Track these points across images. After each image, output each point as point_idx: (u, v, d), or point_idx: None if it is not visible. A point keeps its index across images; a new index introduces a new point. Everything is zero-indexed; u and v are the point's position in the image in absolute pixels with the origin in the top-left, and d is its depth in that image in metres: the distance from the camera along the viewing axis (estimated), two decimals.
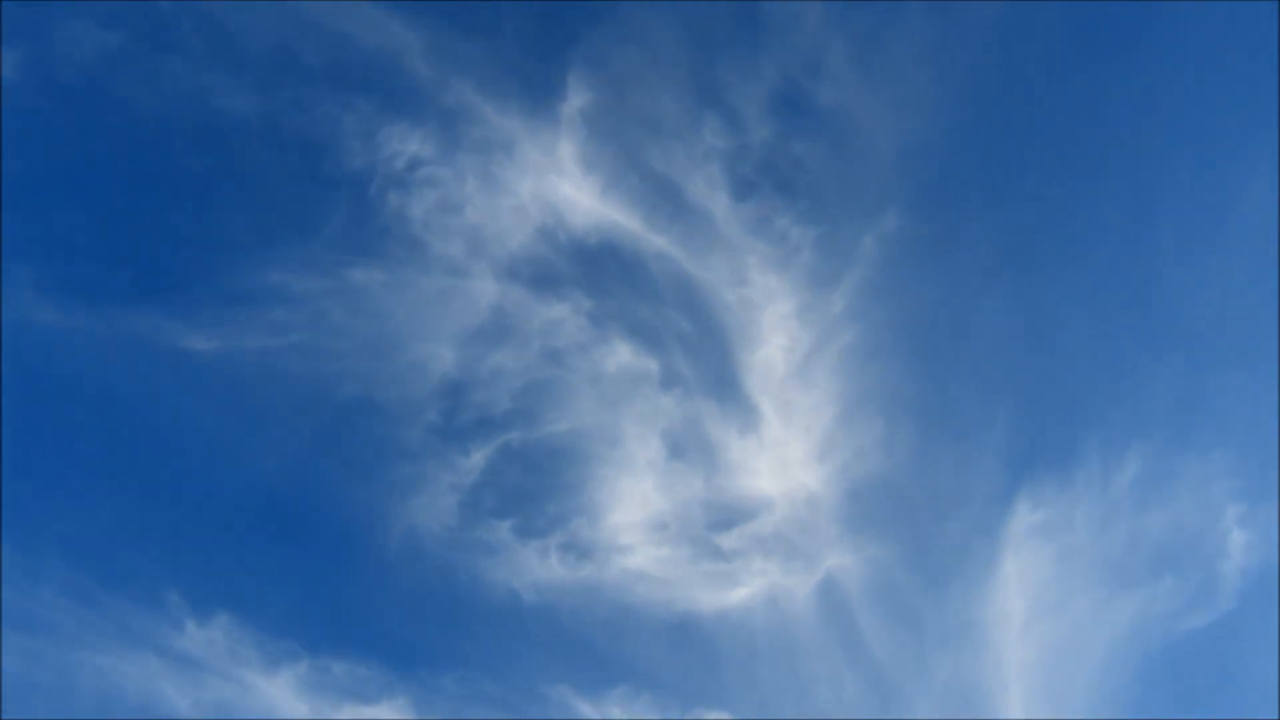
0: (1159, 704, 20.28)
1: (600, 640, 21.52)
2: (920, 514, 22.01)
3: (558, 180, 22.11)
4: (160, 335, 20.94)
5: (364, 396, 21.87)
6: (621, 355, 22.02)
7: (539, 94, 22.28)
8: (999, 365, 22.58)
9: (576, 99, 21.94)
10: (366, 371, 21.85)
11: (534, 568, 21.32)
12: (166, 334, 20.95)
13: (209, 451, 21.54)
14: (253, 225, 21.87)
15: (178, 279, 21.62)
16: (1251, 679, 20.30)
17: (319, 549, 22.08)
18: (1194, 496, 20.93)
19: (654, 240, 22.35)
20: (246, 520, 21.76)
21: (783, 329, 22.20)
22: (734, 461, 21.65)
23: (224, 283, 21.54)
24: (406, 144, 21.58)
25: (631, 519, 21.26)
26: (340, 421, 22.02)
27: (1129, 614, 20.23)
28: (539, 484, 21.91)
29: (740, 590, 20.95)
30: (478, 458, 21.64)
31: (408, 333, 21.93)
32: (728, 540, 21.26)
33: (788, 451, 21.71)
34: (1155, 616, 20.06)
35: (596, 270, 22.44)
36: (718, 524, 21.37)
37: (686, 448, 21.81)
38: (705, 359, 22.25)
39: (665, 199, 22.46)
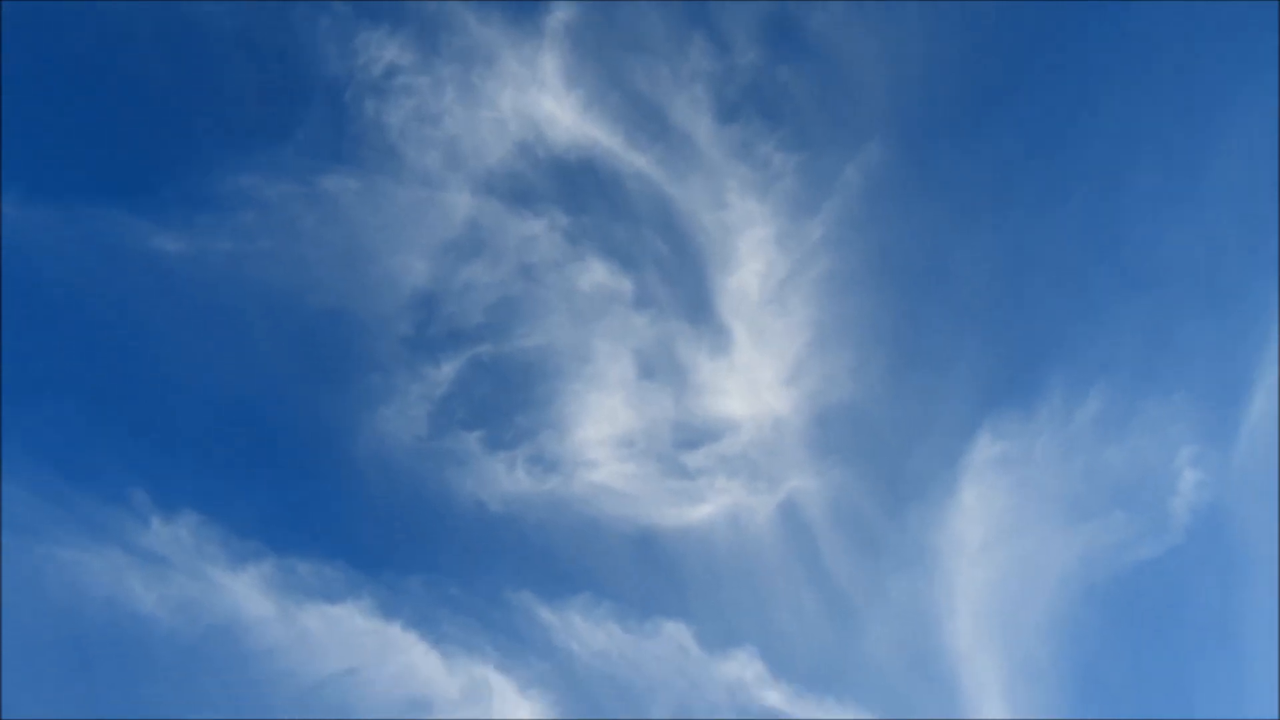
0: (1104, 632, 20.92)
1: (564, 550, 21.87)
2: (884, 441, 22.37)
3: (539, 94, 21.87)
4: (128, 235, 20.73)
5: (335, 306, 21.83)
6: (596, 273, 22.04)
7: (523, 4, 21.94)
8: (971, 300, 22.80)
9: (561, 12, 21.62)
10: (338, 281, 21.78)
11: (501, 479, 21.53)
12: (134, 233, 20.74)
13: (177, 353, 21.48)
14: (223, 127, 21.57)
15: (146, 179, 21.36)
16: (1194, 612, 20.97)
17: (287, 453, 22.18)
18: (1151, 435, 21.36)
19: (634, 160, 22.23)
20: (214, 423, 21.80)
21: (759, 254, 22.26)
22: (703, 383, 21.86)
23: (193, 184, 21.30)
24: (384, 50, 21.23)
25: (599, 435, 21.48)
26: (310, 330, 22.00)
27: (1080, 545, 20.75)
28: (508, 398, 22.05)
29: (703, 508, 21.30)
30: (448, 370, 21.71)
31: (380, 243, 21.83)
32: (693, 459, 21.56)
33: (757, 375, 21.93)
34: (1105, 548, 20.58)
35: (574, 187, 22.34)
36: (684, 443, 21.65)
37: (657, 367, 21.98)
38: (680, 281, 22.31)
39: (648, 118, 22.30)
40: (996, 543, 21.05)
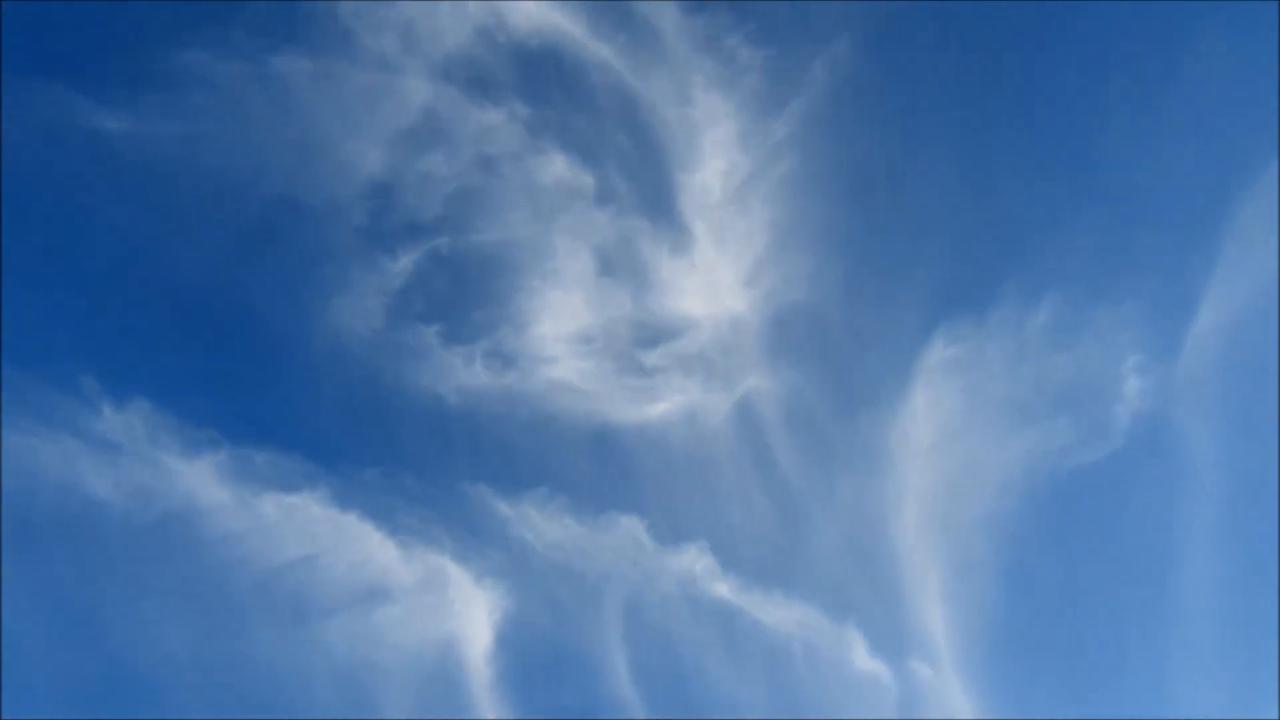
0: (1042, 533, 21.68)
1: (520, 445, 22.04)
2: (840, 344, 22.59)
3: None
4: (69, 113, 19.99)
5: (287, 194, 21.32)
6: (557, 167, 21.68)
7: None
8: (932, 205, 22.80)
9: None
10: (290, 167, 21.22)
11: (459, 373, 21.52)
12: (77, 112, 20.00)
13: (126, 238, 20.98)
14: (169, 1, 20.69)
15: (88, 55, 20.49)
16: (1130, 517, 21.75)
17: (241, 344, 21.93)
18: (1099, 344, 21.77)
19: (597, 50, 21.66)
20: (165, 311, 21.44)
21: (723, 152, 22.00)
22: (663, 281, 21.81)
23: (138, 61, 20.48)
24: None
25: (558, 331, 21.46)
26: (263, 218, 21.51)
27: (1024, 448, 21.32)
28: (466, 292, 21.87)
29: (660, 405, 21.52)
30: (405, 262, 21.43)
31: (334, 130, 21.23)
32: (651, 357, 21.68)
33: (717, 275, 21.91)
34: (1048, 452, 21.17)
35: (536, 77, 21.77)
36: (642, 341, 21.72)
37: (617, 264, 21.86)
38: (642, 177, 22.03)
39: (612, 7, 21.68)
40: (943, 445, 21.57)
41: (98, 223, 20.85)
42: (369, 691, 19.95)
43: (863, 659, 20.07)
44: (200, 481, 20.36)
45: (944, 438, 21.56)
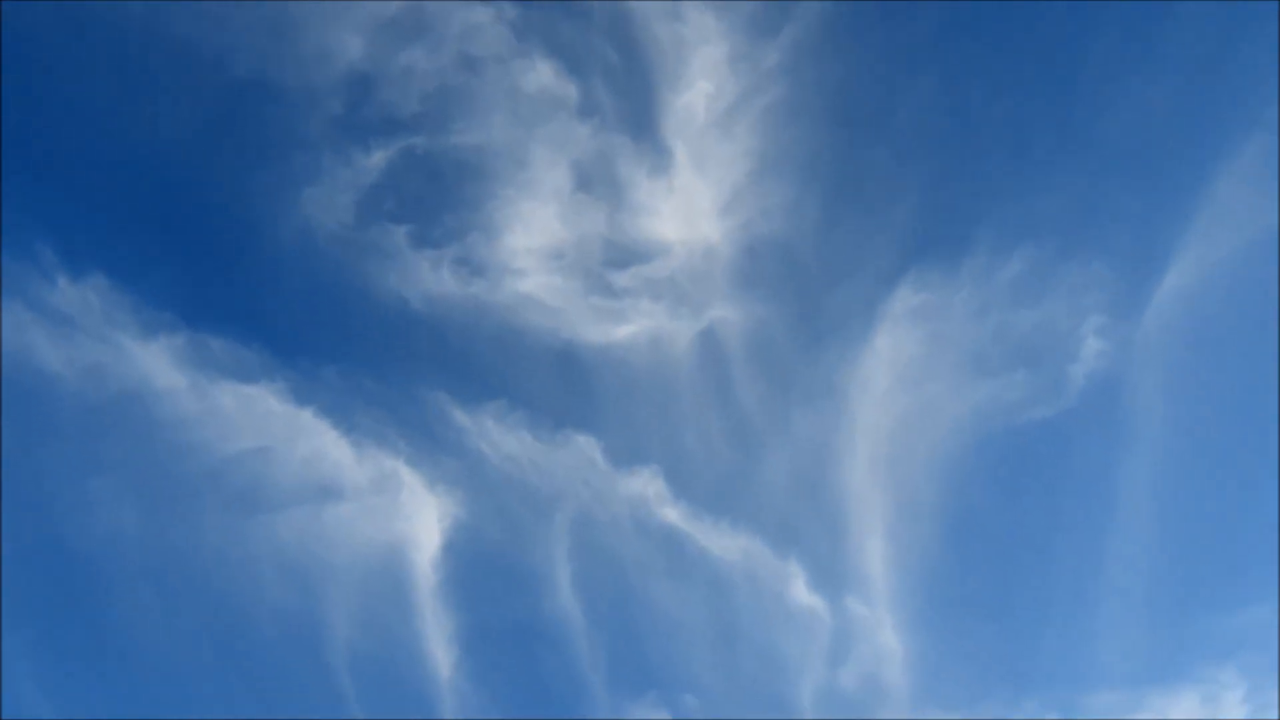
0: (988, 483, 22.15)
1: (483, 356, 21.97)
2: (810, 280, 22.57)
3: None
4: None
5: (260, 76, 20.62)
6: (541, 74, 21.14)
7: None
8: (914, 147, 22.60)
9: None
10: (265, 48, 20.48)
11: (425, 277, 21.28)
12: None
13: (88, 106, 20.29)
14: None
15: None
16: (1076, 473, 22.25)
17: (204, 226, 21.47)
18: (1064, 301, 21.94)
19: None
20: (127, 186, 20.88)
21: (711, 74, 21.54)
22: (639, 202, 21.55)
23: None
24: None
25: (528, 243, 21.21)
26: (234, 98, 20.85)
27: (979, 399, 21.62)
28: (439, 194, 21.49)
29: (626, 328, 21.47)
30: (378, 158, 20.96)
31: (313, 11, 20.48)
32: (621, 279, 21.53)
33: (694, 200, 21.67)
34: (1002, 405, 21.49)
35: None
36: (613, 261, 21.55)
37: (594, 181, 21.54)
38: (627, 93, 21.56)
39: None
40: (901, 389, 21.81)
41: (60, 87, 20.14)
42: (315, 586, 20.20)
43: (801, 592, 20.60)
44: (156, 364, 20.15)
45: (902, 382, 21.80)
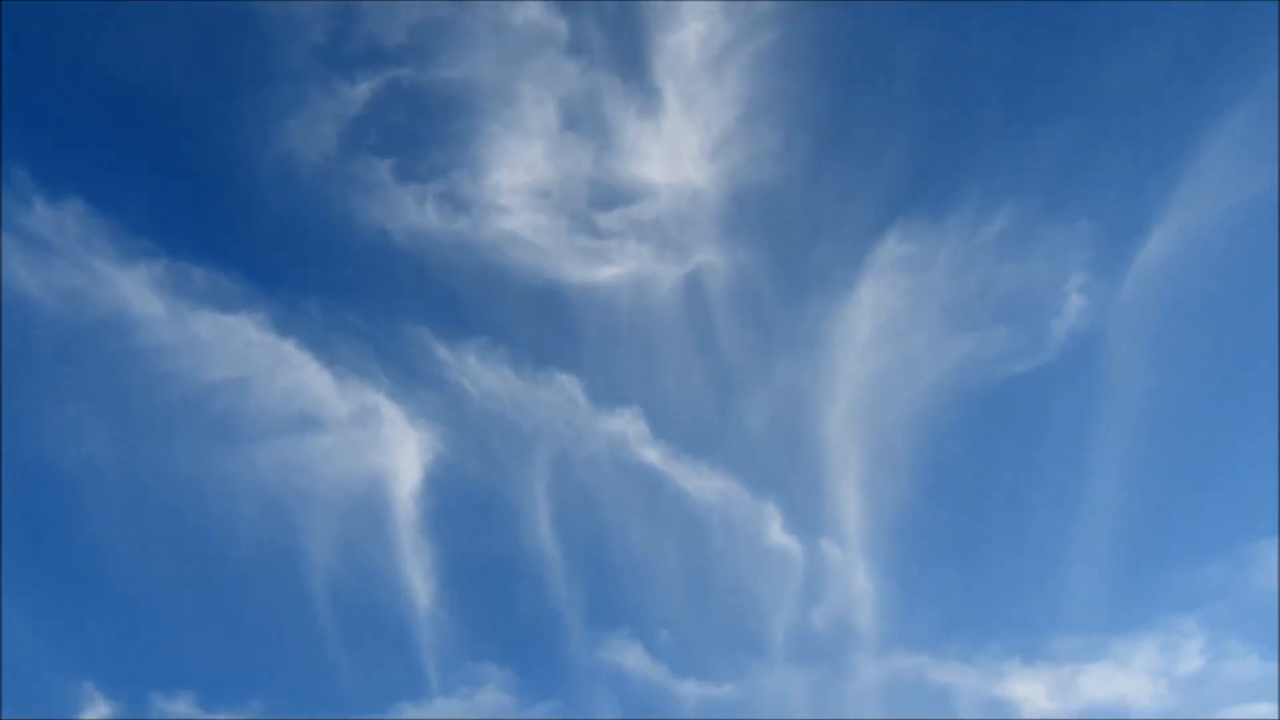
0: (964, 436, 22.39)
1: (466, 292, 21.89)
2: (796, 228, 22.56)
3: None
4: None
5: (243, 3, 20.34)
6: (531, 9, 20.85)
7: None
8: (905, 99, 22.50)
9: None
10: None
11: (409, 212, 21.12)
12: None
13: (67, 30, 19.92)
14: None
15: None
16: (1050, 429, 22.47)
17: (185, 153, 21.18)
18: (1048, 258, 22.05)
19: None
20: (106, 110, 20.57)
21: (704, 16, 21.30)
22: (627, 143, 21.40)
23: None
24: None
25: (514, 181, 21.05)
26: (216, 25, 20.49)
27: (960, 353, 21.78)
28: (425, 128, 21.26)
29: (610, 269, 21.42)
30: (363, 89, 20.69)
31: None
32: (607, 220, 21.44)
33: (683, 143, 21.54)
34: (982, 359, 21.65)
35: None
36: (599, 202, 21.44)
37: (582, 120, 21.35)
38: (617, 31, 21.32)
39: None
40: (883, 340, 21.93)
41: (41, 16, 19.73)
42: (294, 517, 20.25)
43: (776, 534, 20.85)
44: (134, 291, 19.96)
45: (884, 333, 21.92)
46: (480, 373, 21.06)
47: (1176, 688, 19.15)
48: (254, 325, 20.28)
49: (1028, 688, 19.27)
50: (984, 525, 22.29)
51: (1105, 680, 19.40)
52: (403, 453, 20.53)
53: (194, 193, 21.37)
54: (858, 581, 20.63)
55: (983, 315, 22.01)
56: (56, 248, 19.54)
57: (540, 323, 21.89)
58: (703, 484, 21.02)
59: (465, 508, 21.28)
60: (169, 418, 20.17)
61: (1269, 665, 19.11)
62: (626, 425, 21.05)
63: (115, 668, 18.49)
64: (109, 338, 20.05)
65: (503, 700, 19.32)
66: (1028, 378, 21.90)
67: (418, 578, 19.93)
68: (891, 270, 21.92)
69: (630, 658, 19.75)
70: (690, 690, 19.65)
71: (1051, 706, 19.10)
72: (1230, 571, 20.42)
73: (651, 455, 20.96)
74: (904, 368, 22.08)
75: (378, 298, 21.55)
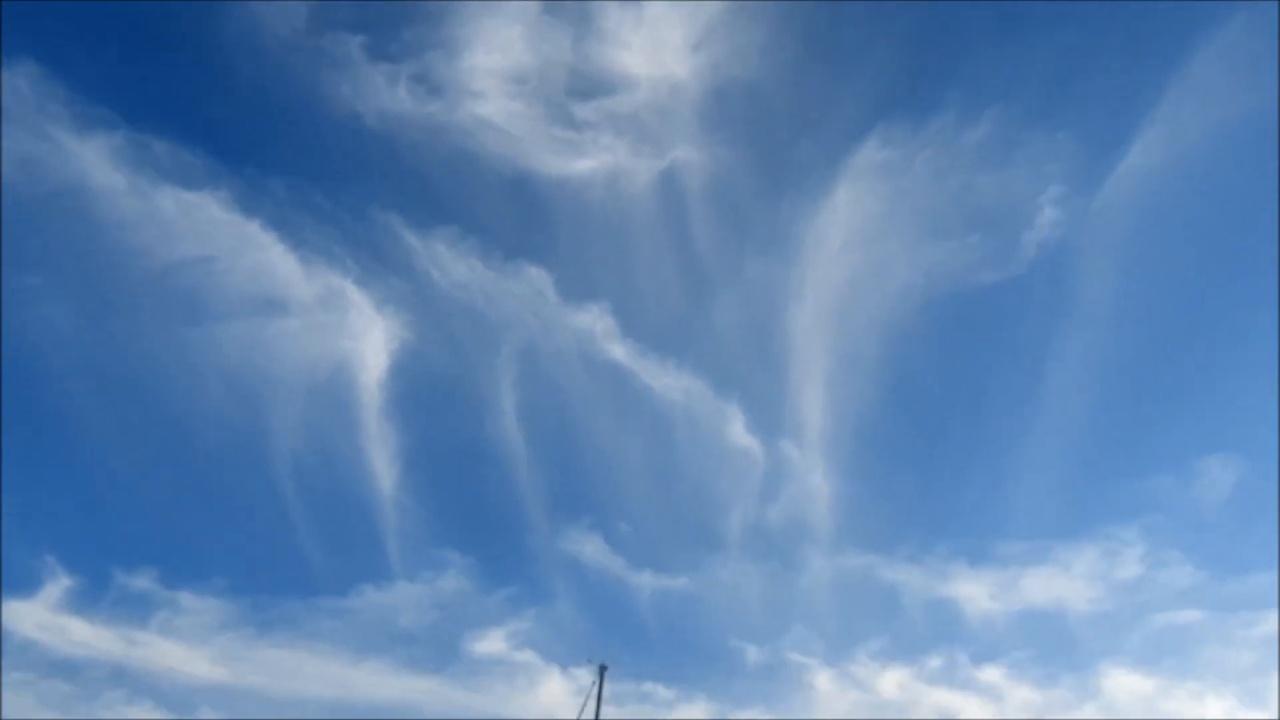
0: (929, 343, 22.65)
1: (437, 179, 21.46)
2: (776, 127, 22.22)
3: None
4: None
5: None
6: None
7: None
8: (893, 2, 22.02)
9: None
10: None
11: (381, 93, 20.50)
12: None
13: None
14: None
15: None
16: (1015, 336, 22.79)
17: (145, 17, 20.37)
18: (1026, 168, 21.89)
19: None
20: None
21: None
22: (609, 30, 20.69)
23: None
24: None
25: (489, 65, 20.37)
26: None
27: (931, 260, 21.78)
28: (398, 5, 20.52)
29: (586, 162, 21.00)
30: None
31: None
32: (584, 110, 20.89)
33: (665, 34, 20.86)
34: (953, 267, 21.68)
35: None
36: (577, 91, 20.84)
37: (562, 3, 20.62)
38: None
39: None
40: (857, 244, 21.86)
41: None
42: (260, 398, 20.24)
43: (738, 434, 21.14)
44: (93, 161, 19.32)
45: (859, 238, 21.83)
46: (449, 262, 20.85)
47: (1113, 592, 19.96)
48: (218, 203, 19.83)
49: (971, 589, 20.01)
50: (942, 432, 22.78)
51: (1046, 583, 20.16)
52: (369, 339, 20.45)
53: (155, 61, 20.60)
54: (815, 482, 21.12)
55: (957, 224, 21.95)
56: (10, 114, 18.82)
57: (512, 214, 21.60)
58: (669, 382, 21.20)
59: (431, 396, 21.37)
60: (132, 294, 19.91)
61: (1203, 574, 19.97)
62: (595, 321, 21.05)
63: (77, 542, 18.68)
64: (68, 209, 19.57)
65: (464, 586, 19.81)
66: (996, 289, 22.06)
67: (382, 463, 20.13)
68: (870, 174, 21.72)
69: (590, 548, 20.24)
70: (646, 581, 20.24)
71: (993, 607, 19.88)
72: (1175, 484, 21.07)
73: (619, 352, 21.04)
74: (875, 274, 22.11)
75: (346, 180, 21.12)
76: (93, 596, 18.21)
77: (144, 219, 19.74)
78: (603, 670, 12.39)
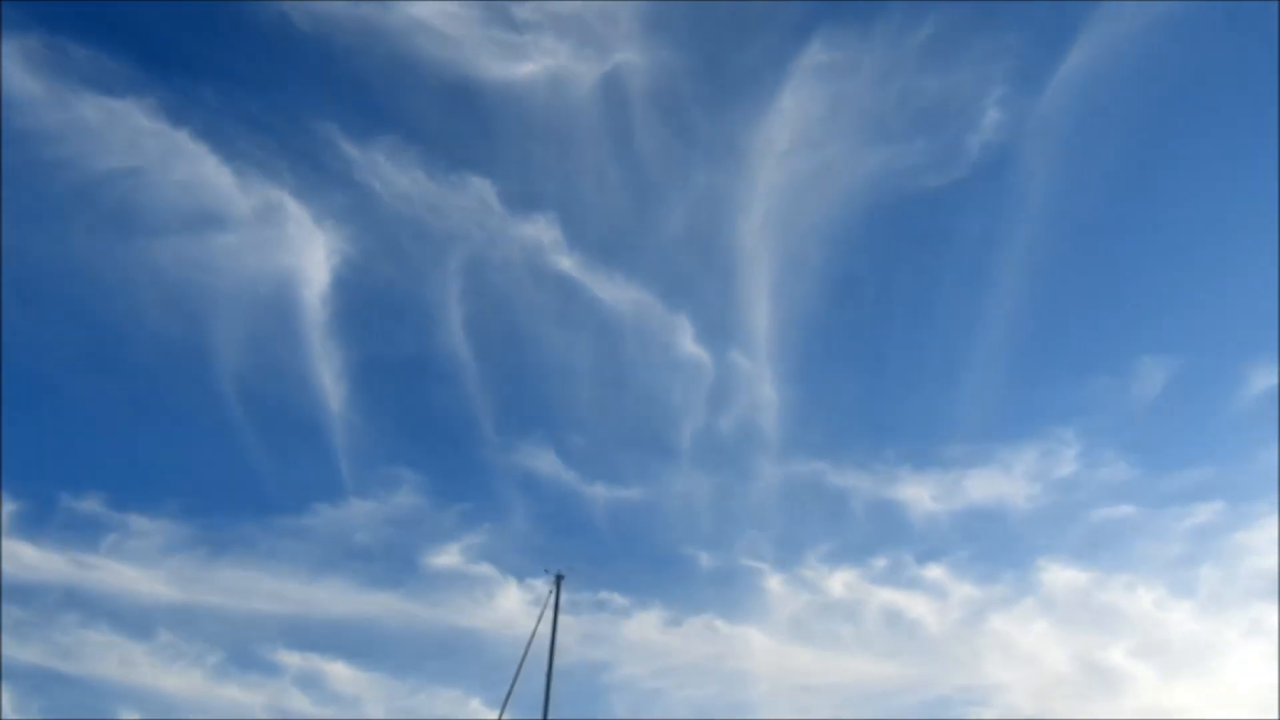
0: (873, 248, 22.79)
1: (374, 85, 20.76)
2: (721, 28, 21.72)
3: None
4: None
5: None
6: None
7: None
8: None
9: None
10: None
11: None
12: None
13: None
14: None
15: None
16: (958, 239, 22.93)
17: None
18: (971, 69, 21.73)
19: None
20: None
21: None
22: None
23: None
24: None
25: None
26: None
27: (876, 165, 21.73)
28: None
29: (527, 65, 20.41)
30: None
31: None
32: (523, 11, 20.21)
33: None
34: (897, 172, 21.66)
35: None
36: None
37: None
38: None
39: None
40: (801, 150, 21.68)
41: None
42: (199, 314, 19.80)
43: (688, 344, 21.23)
44: (10, 67, 18.33)
45: (803, 143, 21.64)
46: (390, 173, 20.35)
47: (1050, 489, 20.65)
48: (144, 112, 19.05)
49: (916, 491, 20.55)
50: (886, 337, 23.10)
51: (987, 484, 20.80)
52: (310, 254, 20.02)
53: None
54: (763, 391, 21.37)
55: (901, 128, 21.84)
56: None
57: (453, 121, 21.07)
58: (617, 294, 21.12)
59: (376, 311, 21.10)
60: (57, 208, 19.19)
61: (1136, 471, 20.75)
62: (541, 232, 20.80)
63: (19, 467, 18.30)
64: None
65: (418, 502, 19.86)
66: (941, 192, 22.12)
67: (329, 380, 19.93)
68: (815, 76, 21.41)
69: (542, 462, 20.37)
70: (599, 493, 20.47)
71: (936, 508, 20.51)
72: (1112, 383, 21.70)
73: (566, 264, 20.86)
74: (820, 178, 22.02)
75: (279, 88, 20.38)
76: (40, 520, 17.96)
77: (66, 129, 18.94)
78: (559, 579, 12.58)
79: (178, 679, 17.38)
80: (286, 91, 20.20)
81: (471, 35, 20.09)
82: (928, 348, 22.85)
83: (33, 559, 17.53)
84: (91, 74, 18.89)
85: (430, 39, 19.91)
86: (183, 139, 19.32)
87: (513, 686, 12.07)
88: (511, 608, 18.44)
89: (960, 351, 22.33)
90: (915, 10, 21.63)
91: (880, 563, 19.93)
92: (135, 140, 19.35)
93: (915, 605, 19.54)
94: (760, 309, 21.76)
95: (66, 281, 19.54)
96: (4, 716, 15.73)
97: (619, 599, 18.71)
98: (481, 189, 20.65)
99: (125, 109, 19.14)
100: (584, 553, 19.75)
